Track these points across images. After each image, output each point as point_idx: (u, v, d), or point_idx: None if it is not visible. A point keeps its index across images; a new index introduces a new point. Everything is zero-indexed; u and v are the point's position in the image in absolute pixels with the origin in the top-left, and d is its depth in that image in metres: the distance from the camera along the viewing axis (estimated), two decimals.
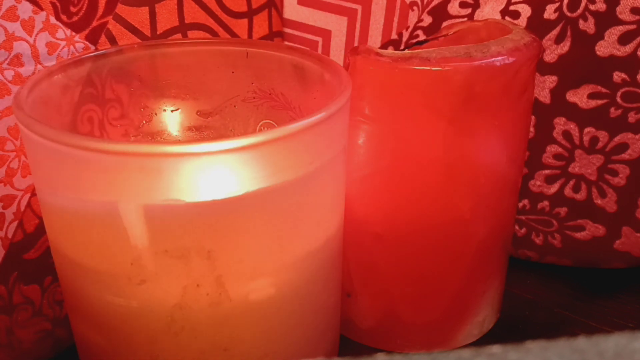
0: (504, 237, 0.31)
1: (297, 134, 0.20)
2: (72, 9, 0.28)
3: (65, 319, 0.30)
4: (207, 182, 0.19)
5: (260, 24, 0.36)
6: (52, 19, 0.27)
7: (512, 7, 0.32)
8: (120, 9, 0.29)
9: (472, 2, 0.33)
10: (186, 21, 0.32)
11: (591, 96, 0.32)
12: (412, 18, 0.35)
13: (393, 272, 0.30)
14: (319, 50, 0.38)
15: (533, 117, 0.33)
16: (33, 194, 0.27)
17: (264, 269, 0.21)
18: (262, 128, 0.29)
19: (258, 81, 0.28)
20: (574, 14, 0.31)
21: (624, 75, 0.31)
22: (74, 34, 0.28)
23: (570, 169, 0.34)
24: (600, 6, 0.31)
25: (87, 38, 0.28)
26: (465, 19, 0.33)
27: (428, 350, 0.31)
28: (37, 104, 0.23)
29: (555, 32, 0.31)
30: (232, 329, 0.22)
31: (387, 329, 0.31)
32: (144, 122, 0.29)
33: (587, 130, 0.33)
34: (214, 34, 0.33)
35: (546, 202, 0.35)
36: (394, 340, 0.31)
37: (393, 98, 0.26)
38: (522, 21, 0.32)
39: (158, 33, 0.31)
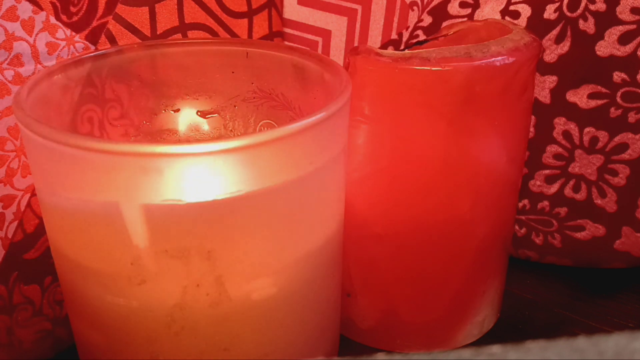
0: (504, 237, 0.31)
1: (297, 134, 0.20)
2: (72, 9, 0.28)
3: (65, 319, 0.30)
4: (207, 182, 0.19)
5: (260, 24, 0.36)
6: (52, 19, 0.27)
7: (512, 7, 0.32)
8: (120, 9, 0.29)
9: (472, 2, 0.33)
10: (186, 21, 0.32)
11: (591, 96, 0.32)
12: (412, 18, 0.35)
13: (393, 272, 0.30)
14: (319, 50, 0.38)
15: (533, 117, 0.33)
16: (33, 194, 0.27)
17: (264, 269, 0.21)
18: (262, 128, 0.29)
19: (258, 81, 0.28)
20: (574, 14, 0.31)
21: (624, 75, 0.31)
22: (74, 34, 0.28)
23: (570, 169, 0.34)
24: (600, 6, 0.31)
25: (87, 38, 0.28)
26: (465, 19, 0.33)
27: (428, 350, 0.31)
28: (37, 104, 0.23)
29: (555, 32, 0.32)
30: (232, 329, 0.22)
31: (387, 329, 0.31)
32: (144, 122, 0.29)
33: (587, 130, 0.33)
34: (214, 34, 0.33)
35: (546, 202, 0.35)
36: (394, 340, 0.31)
37: (393, 98, 0.26)
38: (522, 21, 0.32)
39: (158, 33, 0.31)
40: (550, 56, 0.32)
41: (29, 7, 0.26)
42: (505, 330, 0.33)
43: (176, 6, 0.31)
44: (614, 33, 0.31)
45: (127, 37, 0.30)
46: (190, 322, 0.21)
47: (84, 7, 0.28)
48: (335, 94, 0.23)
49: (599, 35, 0.31)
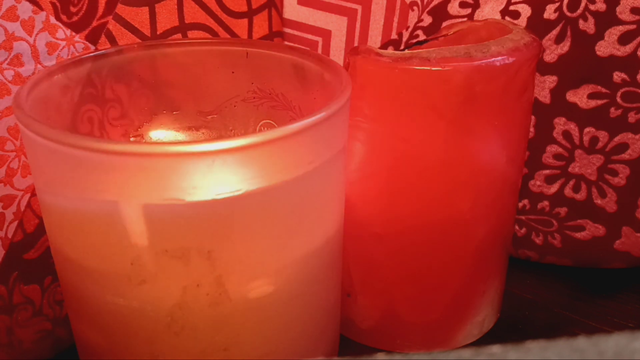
0: (504, 237, 0.31)
1: (297, 134, 0.20)
2: (72, 9, 0.28)
3: (65, 319, 0.30)
4: (207, 182, 0.19)
5: (260, 24, 0.36)
6: (52, 19, 0.27)
7: (512, 7, 0.32)
8: (120, 9, 0.29)
9: (472, 2, 0.33)
10: (186, 21, 0.32)
11: (591, 96, 0.32)
12: (412, 18, 0.35)
13: (393, 272, 0.30)
14: (319, 50, 0.38)
15: (533, 117, 0.33)
16: (33, 194, 0.27)
17: (264, 269, 0.21)
18: (262, 128, 0.29)
19: (258, 81, 0.28)
20: (574, 14, 0.31)
21: (624, 75, 0.31)
22: (74, 34, 0.28)
23: (570, 169, 0.34)
24: (600, 6, 0.31)
25: (87, 38, 0.28)
26: (465, 19, 0.33)
27: (428, 350, 0.31)
28: (37, 104, 0.23)
29: (555, 32, 0.32)
30: (232, 329, 0.22)
31: (387, 329, 0.31)
32: (144, 122, 0.29)
33: (587, 130, 0.33)
34: (214, 34, 0.33)
35: (546, 202, 0.35)
36: (394, 340, 0.31)
37: (393, 98, 0.26)
38: (522, 21, 0.32)
39: (158, 33, 0.31)
40: (550, 56, 0.32)
41: (29, 7, 0.26)
42: (505, 330, 0.33)
43: (176, 6, 0.31)
44: (614, 33, 0.31)
45: (127, 37, 0.30)
46: (190, 322, 0.21)
47: (84, 7, 0.28)
48: (335, 94, 0.23)
49: (599, 35, 0.31)
